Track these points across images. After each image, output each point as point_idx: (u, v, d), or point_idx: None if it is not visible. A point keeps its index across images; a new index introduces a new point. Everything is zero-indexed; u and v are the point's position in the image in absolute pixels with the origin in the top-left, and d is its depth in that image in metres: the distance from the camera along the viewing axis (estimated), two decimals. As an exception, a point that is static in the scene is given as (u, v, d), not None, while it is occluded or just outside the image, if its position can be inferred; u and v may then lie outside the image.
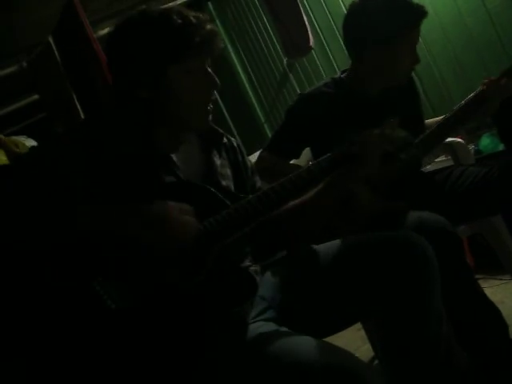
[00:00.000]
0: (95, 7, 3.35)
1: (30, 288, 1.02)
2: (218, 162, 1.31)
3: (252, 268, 1.27)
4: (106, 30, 3.59)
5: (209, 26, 1.20)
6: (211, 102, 1.25)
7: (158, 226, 1.02)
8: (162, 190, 1.15)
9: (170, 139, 1.25)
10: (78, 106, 3.22)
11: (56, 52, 3.21)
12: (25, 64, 3.61)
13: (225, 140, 1.37)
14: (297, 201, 1.30)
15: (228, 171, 1.33)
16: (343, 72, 1.95)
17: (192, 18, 1.18)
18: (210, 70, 1.23)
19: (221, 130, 1.36)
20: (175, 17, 1.17)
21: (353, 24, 1.80)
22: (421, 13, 1.72)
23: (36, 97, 4.12)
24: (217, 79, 1.24)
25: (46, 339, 1.01)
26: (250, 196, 1.17)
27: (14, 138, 3.35)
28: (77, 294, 1.03)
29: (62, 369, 1.00)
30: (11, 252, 1.02)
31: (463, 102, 1.81)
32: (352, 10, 1.80)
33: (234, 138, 1.44)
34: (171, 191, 1.16)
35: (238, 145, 1.42)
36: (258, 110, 4.74)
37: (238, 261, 1.25)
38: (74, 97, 3.23)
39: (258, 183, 1.41)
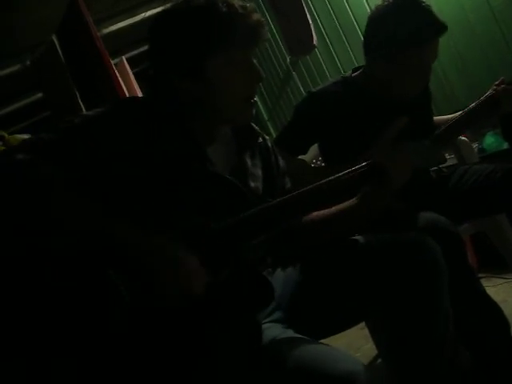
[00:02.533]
0: (99, 6, 3.35)
1: (38, 276, 1.01)
2: (249, 162, 1.27)
3: (266, 271, 1.27)
4: (109, 29, 3.60)
5: (255, 16, 1.15)
6: (254, 95, 1.20)
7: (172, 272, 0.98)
8: (193, 180, 1.12)
9: (206, 132, 1.21)
10: (82, 105, 3.23)
11: (60, 51, 3.22)
12: (29, 63, 3.62)
13: (260, 140, 1.34)
14: (328, 211, 1.27)
15: (259, 172, 1.29)
16: (355, 70, 1.94)
17: (238, 8, 1.13)
18: (254, 62, 1.18)
19: (257, 129, 1.32)
20: (221, 5, 1.12)
21: (375, 28, 1.78)
22: (441, 27, 1.69)
23: (40, 95, 4.13)
24: (262, 72, 1.18)
25: (55, 327, 0.99)
26: (278, 199, 1.13)
27: (18, 136, 3.36)
28: (92, 281, 1.00)
29: (70, 360, 0.99)
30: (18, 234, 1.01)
31: (473, 104, 1.79)
32: (376, 14, 1.78)
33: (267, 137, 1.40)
34: (201, 182, 1.13)
35: (271, 145, 1.38)
36: (261, 107, 4.74)
37: (258, 265, 1.24)
38: (78, 95, 3.24)
39: (288, 185, 1.38)
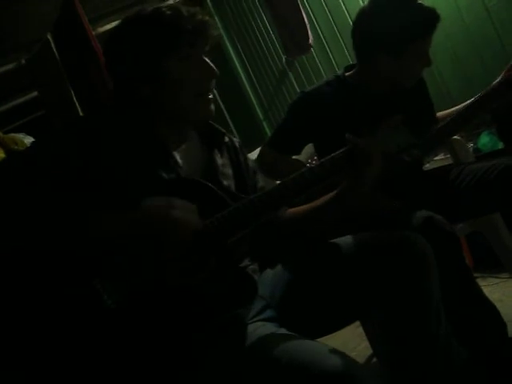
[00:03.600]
0: (94, 5, 3.34)
1: (30, 287, 1.02)
2: (219, 161, 1.30)
3: (250, 267, 1.27)
4: (105, 28, 3.59)
5: (200, 16, 1.21)
6: (210, 91, 1.25)
7: (159, 225, 1.00)
8: (162, 187, 1.14)
9: (172, 135, 1.25)
10: (77, 104, 3.22)
11: (55, 49, 3.21)
12: (24, 61, 3.61)
13: (226, 139, 1.37)
14: (308, 205, 1.30)
15: (229, 171, 1.32)
16: (346, 69, 1.94)
17: (183, 10, 1.20)
18: (206, 59, 1.24)
19: (222, 129, 1.36)
20: (166, 10, 1.20)
21: (363, 28, 1.78)
22: (434, 19, 1.69)
23: (35, 94, 4.12)
24: (214, 67, 1.24)
25: (45, 338, 1.01)
26: (253, 195, 1.15)
27: (13, 135, 3.34)
28: (76, 291, 1.03)
29: (58, 367, 1.00)
30: (12, 252, 1.02)
31: (488, 87, 1.79)
32: (363, 13, 1.78)
33: (234, 136, 1.43)
34: (171, 188, 1.14)
35: (239, 145, 1.41)
36: (256, 107, 4.74)
37: (239, 261, 1.24)
38: (73, 94, 3.23)
39: (260, 183, 1.40)
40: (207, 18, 1.23)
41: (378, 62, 1.78)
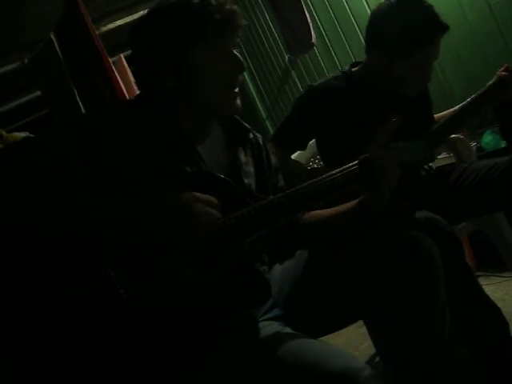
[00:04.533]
0: (97, 4, 3.34)
1: (37, 275, 1.01)
2: (243, 158, 1.28)
3: (262, 268, 1.26)
4: (108, 27, 3.60)
5: (229, 6, 1.18)
6: (237, 85, 1.22)
7: (181, 215, 0.99)
8: (184, 181, 1.12)
9: (196, 129, 1.22)
10: (80, 103, 3.22)
11: (58, 49, 3.21)
12: (27, 61, 3.61)
13: (251, 136, 1.35)
14: (332, 209, 1.29)
15: (251, 169, 1.30)
16: (353, 65, 1.93)
17: (210, 0, 1.16)
18: (234, 51, 1.20)
19: (247, 126, 1.34)
20: (195, 0, 1.16)
21: (380, 26, 1.78)
22: (444, 27, 1.69)
23: (38, 93, 4.12)
24: (242, 60, 1.20)
25: (53, 328, 1.00)
26: (272, 197, 1.14)
27: (16, 134, 3.34)
28: (90, 279, 1.01)
29: (66, 358, 0.99)
30: (16, 237, 1.01)
31: (482, 89, 1.79)
32: (381, 12, 1.76)
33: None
34: (193, 182, 1.12)
35: (262, 141, 1.39)
36: (259, 106, 4.74)
37: (253, 261, 1.24)
38: (76, 93, 3.23)
39: (281, 182, 1.39)
40: (235, 7, 1.19)
41: (379, 63, 1.78)
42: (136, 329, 1.02)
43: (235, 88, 1.20)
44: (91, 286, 1.01)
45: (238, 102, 1.22)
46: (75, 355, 0.99)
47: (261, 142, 1.38)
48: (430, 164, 1.93)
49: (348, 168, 1.19)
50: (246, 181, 1.24)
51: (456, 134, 2.05)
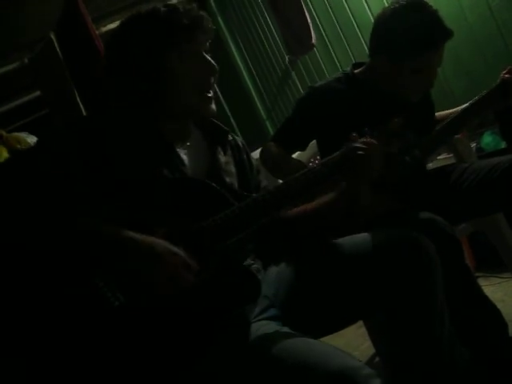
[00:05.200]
0: (97, 4, 3.34)
1: (30, 284, 1.02)
2: (222, 159, 1.31)
3: (254, 266, 1.27)
4: (108, 27, 3.60)
5: (196, 11, 1.23)
6: (211, 87, 1.26)
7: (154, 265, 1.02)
8: (165, 186, 1.15)
9: (175, 132, 1.26)
10: (80, 103, 3.22)
11: (58, 48, 3.21)
12: (27, 61, 3.61)
13: (230, 137, 1.38)
14: (311, 204, 1.31)
15: (233, 168, 1.33)
16: (355, 66, 1.93)
17: (179, 6, 1.22)
18: (206, 55, 1.25)
19: (225, 128, 1.36)
20: (161, 7, 1.22)
21: (377, 29, 1.78)
22: (449, 33, 1.69)
23: (38, 93, 4.12)
24: (215, 64, 1.25)
25: (47, 336, 1.01)
26: (255, 195, 1.16)
27: (16, 134, 3.35)
28: (79, 290, 1.03)
29: (62, 366, 1.00)
30: (10, 249, 1.02)
31: (484, 92, 1.79)
32: (385, 16, 1.76)
33: (236, 135, 1.44)
34: (174, 187, 1.15)
35: (242, 143, 1.42)
36: (259, 106, 4.74)
37: (242, 259, 1.24)
38: (76, 93, 3.23)
39: (263, 183, 1.41)
40: (202, 12, 1.24)
41: (381, 67, 1.78)
42: (128, 333, 1.03)
43: (209, 90, 1.25)
44: (82, 294, 1.03)
45: (213, 105, 1.26)
46: (71, 359, 1.01)
47: (240, 144, 1.42)
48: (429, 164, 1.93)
49: (329, 159, 1.23)
50: (227, 180, 1.27)
51: (456, 135, 2.04)
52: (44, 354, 1.00)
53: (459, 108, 1.88)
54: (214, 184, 1.17)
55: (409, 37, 1.67)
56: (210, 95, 1.25)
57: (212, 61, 1.25)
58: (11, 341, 1.01)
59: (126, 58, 1.23)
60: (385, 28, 1.75)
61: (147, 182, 1.13)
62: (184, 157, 1.23)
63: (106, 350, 1.01)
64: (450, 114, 1.91)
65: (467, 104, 1.82)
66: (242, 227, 1.13)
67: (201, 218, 1.11)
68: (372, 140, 1.24)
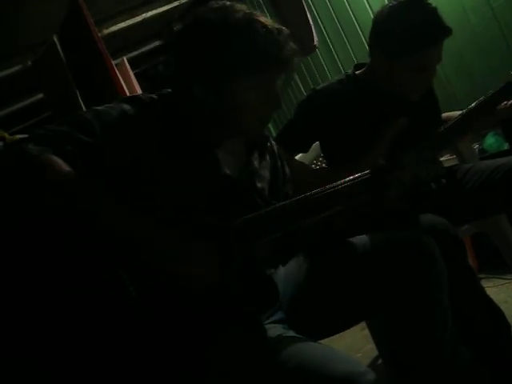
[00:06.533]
0: (100, 6, 3.35)
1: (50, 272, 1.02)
2: (257, 163, 1.29)
3: (269, 272, 1.27)
4: (110, 29, 3.61)
5: (290, 46, 1.13)
6: (269, 119, 1.23)
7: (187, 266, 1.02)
8: (201, 183, 1.15)
9: (218, 137, 1.22)
10: (83, 105, 3.23)
11: (61, 51, 3.22)
12: (29, 63, 3.62)
13: (269, 144, 1.36)
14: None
15: (267, 173, 1.31)
16: (356, 67, 1.93)
17: (275, 33, 1.11)
18: (277, 89, 1.18)
19: (266, 133, 1.34)
20: (259, 27, 1.10)
21: (382, 28, 1.77)
22: (446, 30, 1.69)
23: (41, 96, 4.13)
24: (281, 100, 1.19)
25: (64, 325, 1.01)
26: (285, 202, 1.15)
27: (19, 136, 3.35)
28: (101, 278, 1.03)
29: (74, 356, 1.00)
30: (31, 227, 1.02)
31: (491, 91, 1.76)
32: (383, 14, 1.75)
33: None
34: (211, 182, 1.15)
35: (278, 150, 1.41)
36: (262, 108, 4.74)
37: (264, 264, 1.24)
38: (79, 96, 3.24)
39: (290, 192, 1.39)
40: (295, 46, 1.15)
41: (380, 64, 1.78)
42: (144, 328, 1.03)
43: (266, 122, 1.23)
44: (102, 285, 1.02)
45: (264, 129, 1.25)
46: (82, 352, 1.01)
47: (276, 151, 1.39)
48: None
49: (360, 177, 1.17)
50: (259, 185, 1.25)
51: (462, 138, 2.03)
52: (56, 346, 1.01)
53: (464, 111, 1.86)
54: (244, 185, 1.17)
55: (406, 33, 1.66)
56: (265, 123, 1.23)
57: (279, 95, 1.18)
58: (26, 332, 1.01)
59: (203, 58, 1.12)
60: (382, 25, 1.75)
61: (184, 179, 1.12)
62: (220, 156, 1.20)
63: (121, 343, 1.02)
64: (452, 116, 1.89)
65: (472, 105, 1.80)
66: (266, 232, 1.11)
67: (228, 217, 1.10)
68: (403, 167, 1.19)
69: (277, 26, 1.13)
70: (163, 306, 1.04)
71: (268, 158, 1.35)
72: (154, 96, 1.22)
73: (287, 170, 1.41)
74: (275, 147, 1.40)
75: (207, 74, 1.12)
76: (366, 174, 1.17)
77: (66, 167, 1.01)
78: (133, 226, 1.02)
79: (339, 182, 1.16)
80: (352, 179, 1.17)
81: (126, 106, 1.15)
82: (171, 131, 1.16)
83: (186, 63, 1.17)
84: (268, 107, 1.18)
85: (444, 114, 2.03)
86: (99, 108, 1.14)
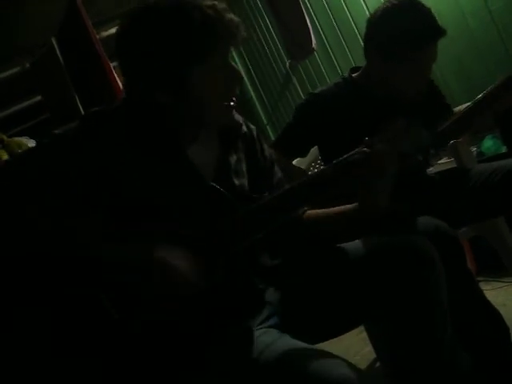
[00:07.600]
0: (98, 9, 3.35)
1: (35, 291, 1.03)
2: (233, 158, 1.24)
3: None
4: (109, 32, 3.61)
5: (228, 17, 1.07)
6: (234, 96, 1.15)
7: (159, 275, 1.01)
8: (173, 184, 1.13)
9: (188, 134, 1.19)
10: (81, 108, 3.23)
11: (59, 53, 3.22)
12: (28, 65, 3.62)
13: (244, 129, 1.30)
14: (333, 209, 1.28)
15: (243, 166, 1.27)
16: (353, 70, 1.93)
17: (210, 10, 1.05)
18: (232, 63, 1.13)
19: (238, 117, 1.26)
20: (193, 10, 1.04)
21: (375, 29, 1.78)
22: (440, 31, 1.69)
23: (39, 98, 4.13)
24: (240, 71, 1.14)
25: (48, 342, 1.01)
26: (266, 197, 1.14)
27: (17, 138, 3.36)
28: (82, 300, 1.03)
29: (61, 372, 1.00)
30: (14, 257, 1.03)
31: (492, 85, 1.75)
32: (377, 16, 1.76)
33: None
34: (182, 185, 1.13)
35: (257, 134, 1.34)
36: (260, 111, 4.74)
37: (249, 268, 1.23)
38: (77, 98, 3.24)
39: (278, 174, 1.36)
40: (234, 16, 1.09)
41: (374, 66, 1.78)
42: (129, 345, 1.03)
43: (232, 100, 1.15)
44: (83, 307, 1.02)
45: (236, 114, 1.18)
46: (81, 357, 1.01)
47: (254, 135, 1.34)
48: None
49: (341, 161, 1.15)
50: (237, 182, 1.22)
51: (464, 134, 2.01)
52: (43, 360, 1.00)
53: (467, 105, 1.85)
54: (219, 187, 1.14)
55: (401, 34, 1.67)
56: (232, 104, 1.15)
57: (237, 68, 1.14)
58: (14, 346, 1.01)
59: (146, 61, 1.08)
60: (377, 27, 1.75)
61: (154, 184, 1.11)
62: (192, 155, 1.17)
63: (104, 359, 1.01)
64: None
65: (475, 99, 1.78)
66: (250, 232, 1.10)
67: (207, 221, 1.09)
68: (385, 142, 1.17)
69: (208, 2, 1.07)
70: (146, 322, 1.04)
71: (244, 145, 1.29)
72: (118, 103, 1.18)
73: (268, 152, 1.36)
74: (253, 131, 1.34)
75: (158, 75, 1.08)
76: (350, 156, 1.15)
77: None
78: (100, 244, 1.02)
79: (319, 170, 1.16)
80: (335, 163, 1.15)
81: (82, 127, 1.12)
82: (139, 137, 1.12)
83: (132, 70, 1.13)
84: (229, 84, 1.14)
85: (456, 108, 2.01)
86: (57, 148, 1.12)
